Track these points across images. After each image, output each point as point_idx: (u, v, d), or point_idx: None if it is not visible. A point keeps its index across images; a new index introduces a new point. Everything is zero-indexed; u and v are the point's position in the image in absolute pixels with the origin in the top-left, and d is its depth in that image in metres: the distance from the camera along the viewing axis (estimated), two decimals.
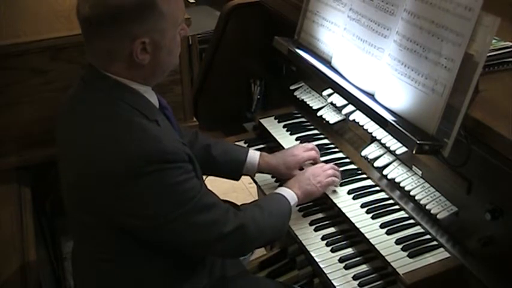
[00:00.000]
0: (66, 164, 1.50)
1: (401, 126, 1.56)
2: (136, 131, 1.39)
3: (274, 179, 2.01)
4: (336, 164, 1.93)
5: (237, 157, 1.90)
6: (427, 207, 1.65)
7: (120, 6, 1.35)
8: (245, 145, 2.21)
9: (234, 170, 1.91)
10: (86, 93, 1.46)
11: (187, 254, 1.56)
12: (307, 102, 2.21)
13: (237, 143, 2.20)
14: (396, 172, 1.78)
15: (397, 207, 1.76)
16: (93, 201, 1.42)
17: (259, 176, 2.00)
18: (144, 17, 1.37)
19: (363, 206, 1.77)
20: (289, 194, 1.73)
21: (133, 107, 1.42)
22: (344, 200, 1.80)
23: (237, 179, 1.95)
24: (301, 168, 1.91)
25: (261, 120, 2.27)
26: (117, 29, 1.37)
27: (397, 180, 1.76)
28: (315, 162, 1.93)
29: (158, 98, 1.55)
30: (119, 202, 1.39)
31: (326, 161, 1.97)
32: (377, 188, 1.84)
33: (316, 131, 2.18)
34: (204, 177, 1.78)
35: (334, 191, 1.84)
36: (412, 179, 1.73)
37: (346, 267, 1.64)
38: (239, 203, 1.86)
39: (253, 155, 1.91)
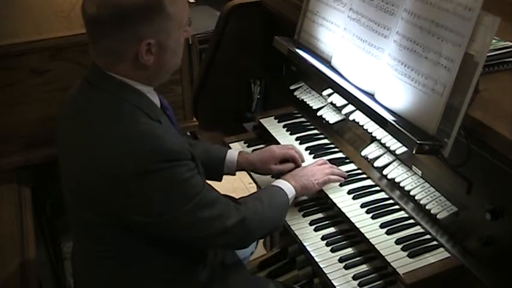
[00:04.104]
0: (69, 164, 1.50)
1: (401, 126, 1.56)
2: (142, 130, 1.39)
3: (274, 178, 2.01)
4: (335, 164, 1.93)
5: (217, 155, 1.90)
6: (427, 207, 1.65)
7: (128, 7, 1.35)
8: (245, 145, 2.21)
9: (215, 168, 1.90)
10: (90, 94, 1.46)
11: (190, 247, 1.57)
12: (307, 102, 2.21)
13: (237, 143, 2.22)
14: (396, 172, 1.78)
15: (397, 207, 1.76)
16: (99, 200, 1.43)
17: (258, 175, 2.00)
18: (151, 18, 1.37)
19: (362, 206, 1.77)
20: (287, 186, 1.75)
21: (137, 106, 1.43)
22: (344, 200, 1.80)
23: (219, 180, 1.93)
24: (276, 164, 1.90)
25: (261, 120, 2.27)
26: (123, 29, 1.37)
27: (397, 180, 1.76)
28: (293, 161, 1.92)
29: (159, 99, 1.56)
30: (126, 200, 1.40)
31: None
32: (377, 188, 1.84)
33: (316, 131, 2.18)
34: None
35: (334, 191, 1.84)
36: (412, 179, 1.73)
37: (346, 267, 1.64)
38: None
39: (233, 152, 1.93)
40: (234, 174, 1.94)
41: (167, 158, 1.38)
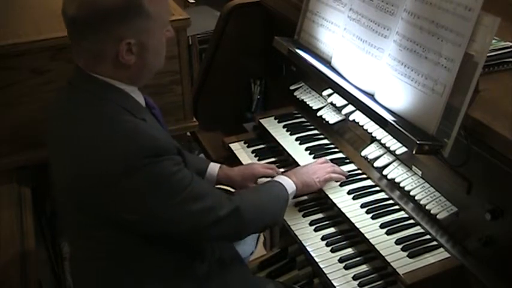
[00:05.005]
0: (58, 166, 1.51)
1: (401, 126, 1.56)
2: (126, 128, 1.40)
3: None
4: (335, 164, 1.93)
5: (198, 166, 1.90)
6: (427, 207, 1.65)
7: (108, 8, 1.35)
8: (245, 145, 2.21)
9: None
10: (73, 95, 1.47)
11: (187, 244, 1.57)
12: (307, 102, 2.21)
13: (237, 143, 2.21)
14: (396, 172, 1.78)
15: (397, 207, 1.76)
16: (89, 201, 1.43)
17: None
18: (130, 18, 1.38)
19: (362, 206, 1.77)
20: (287, 181, 1.76)
21: (120, 106, 1.43)
22: (344, 200, 1.80)
23: None
24: (256, 182, 1.91)
25: (261, 120, 2.27)
26: (103, 30, 1.37)
27: (397, 180, 1.76)
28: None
29: (145, 98, 1.57)
30: (116, 199, 1.40)
31: None
32: (377, 188, 1.84)
33: (316, 131, 2.18)
34: None
35: (334, 191, 1.84)
36: (412, 179, 1.73)
37: (346, 267, 1.64)
38: None
39: (214, 166, 1.93)
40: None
41: (152, 153, 1.38)
